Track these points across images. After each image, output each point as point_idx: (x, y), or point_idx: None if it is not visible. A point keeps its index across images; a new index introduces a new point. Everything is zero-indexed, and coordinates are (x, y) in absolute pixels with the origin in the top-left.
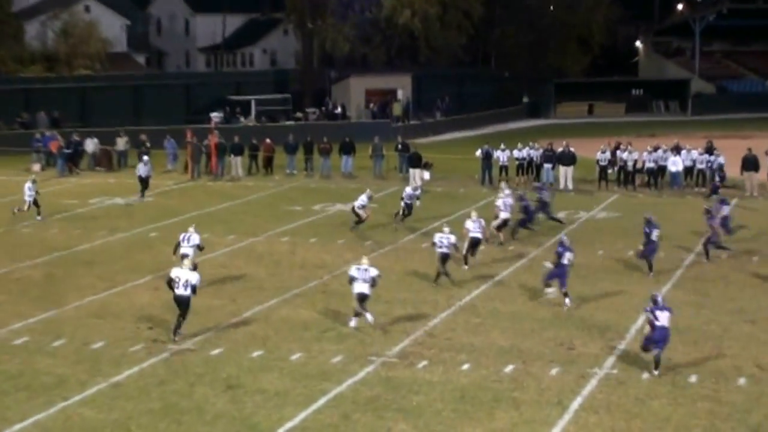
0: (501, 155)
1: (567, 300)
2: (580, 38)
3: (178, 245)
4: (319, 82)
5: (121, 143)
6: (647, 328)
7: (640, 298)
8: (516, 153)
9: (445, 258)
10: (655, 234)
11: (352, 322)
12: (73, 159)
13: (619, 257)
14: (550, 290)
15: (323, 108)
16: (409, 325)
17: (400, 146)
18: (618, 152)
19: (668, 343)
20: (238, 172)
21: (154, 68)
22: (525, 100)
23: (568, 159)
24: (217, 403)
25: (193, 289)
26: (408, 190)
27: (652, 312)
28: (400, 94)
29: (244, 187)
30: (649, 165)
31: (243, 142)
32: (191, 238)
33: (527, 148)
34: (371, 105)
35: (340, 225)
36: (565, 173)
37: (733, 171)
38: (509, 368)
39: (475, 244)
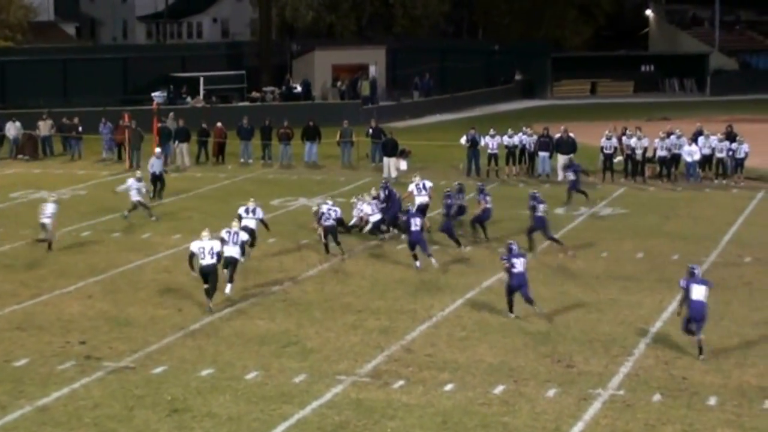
0: (490, 142)
1: (433, 261)
2: (581, 6)
3: (240, 217)
4: (279, 57)
5: (44, 127)
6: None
7: (649, 308)
8: (506, 139)
9: (331, 230)
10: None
11: (227, 289)
12: None
13: (627, 260)
14: (417, 263)
15: (283, 86)
16: (383, 339)
17: (372, 131)
18: (625, 138)
19: (527, 286)
20: (184, 162)
21: (86, 40)
22: (517, 77)
23: (567, 146)
24: (160, 429)
25: (219, 257)
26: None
27: (508, 260)
28: (373, 70)
29: (191, 178)
30: (662, 153)
31: (190, 126)
32: (257, 210)
33: (520, 134)
34: (339, 83)
35: (303, 223)
36: (564, 162)
37: (758, 161)
38: (499, 389)
39: (374, 227)
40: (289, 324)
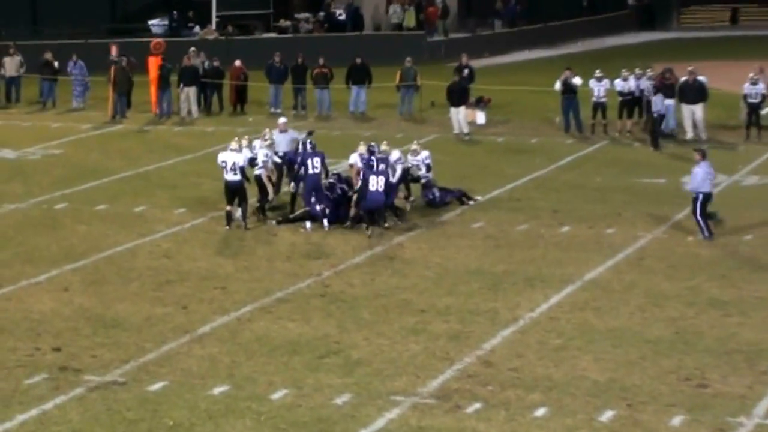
0: (595, 87)
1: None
2: None
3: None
4: None
5: (11, 66)
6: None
7: None
8: (618, 84)
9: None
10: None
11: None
12: None
13: None
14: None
15: (321, 13)
16: (454, 348)
17: (466, 69)
18: None
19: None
20: (191, 111)
21: None
22: (632, 2)
23: (695, 93)
24: None
25: (242, 171)
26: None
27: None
28: None
29: (201, 133)
30: None
31: (198, 65)
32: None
33: (634, 77)
34: (392, 7)
35: None
36: (692, 115)
37: None
38: (607, 415)
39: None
40: (329, 327)
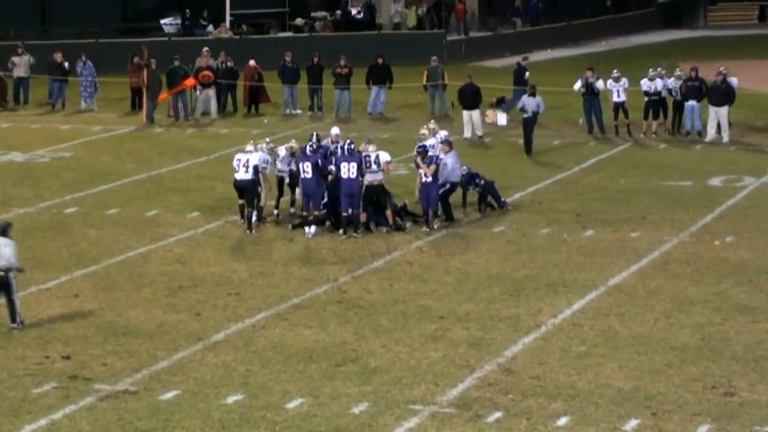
0: (613, 88)
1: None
2: None
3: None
4: None
5: (21, 66)
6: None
7: None
8: (644, 84)
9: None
10: None
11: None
12: None
13: None
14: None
15: (338, 11)
16: (474, 356)
17: (527, 72)
18: None
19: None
20: (209, 112)
21: None
22: None
23: (722, 94)
24: None
25: (255, 171)
26: None
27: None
28: None
29: (215, 135)
30: None
31: (212, 66)
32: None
33: (659, 77)
34: (415, 7)
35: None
36: (717, 116)
37: None
38: (632, 424)
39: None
40: (346, 334)
